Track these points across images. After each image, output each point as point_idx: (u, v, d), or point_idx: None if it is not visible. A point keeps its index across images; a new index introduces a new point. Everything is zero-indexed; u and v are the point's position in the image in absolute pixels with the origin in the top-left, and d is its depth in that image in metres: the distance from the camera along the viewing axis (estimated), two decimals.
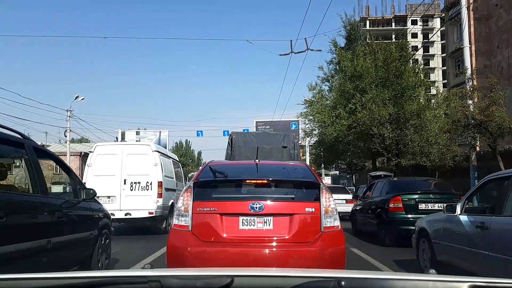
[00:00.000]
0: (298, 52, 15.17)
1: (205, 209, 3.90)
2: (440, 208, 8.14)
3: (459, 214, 4.87)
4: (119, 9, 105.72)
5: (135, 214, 9.83)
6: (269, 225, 3.82)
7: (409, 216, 8.23)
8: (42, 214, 4.24)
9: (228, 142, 11.64)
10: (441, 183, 9.85)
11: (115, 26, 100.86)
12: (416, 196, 8.47)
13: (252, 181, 4.16)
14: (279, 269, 2.61)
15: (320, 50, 17.83)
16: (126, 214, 9.79)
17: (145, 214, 9.87)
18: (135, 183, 10.09)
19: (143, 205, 9.87)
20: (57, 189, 5.61)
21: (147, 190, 10.05)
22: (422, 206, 8.27)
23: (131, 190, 10.06)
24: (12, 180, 5.64)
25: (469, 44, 15.91)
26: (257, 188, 4.09)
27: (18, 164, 4.79)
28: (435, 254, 5.46)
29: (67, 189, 5.77)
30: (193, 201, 3.92)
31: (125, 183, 10.06)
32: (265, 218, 3.83)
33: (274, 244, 3.79)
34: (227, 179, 4.25)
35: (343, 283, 1.17)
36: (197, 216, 3.88)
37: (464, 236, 4.73)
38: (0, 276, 1.26)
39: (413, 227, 8.09)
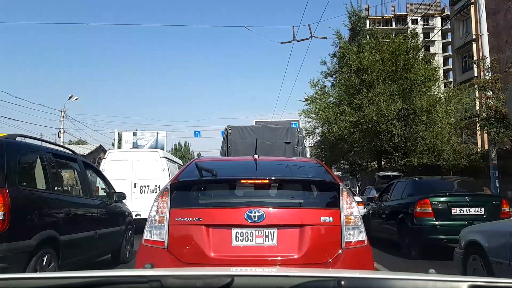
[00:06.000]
0: (301, 40, 13.87)
1: (186, 219, 3.03)
2: (478, 213, 6.87)
3: None
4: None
5: (144, 215, 10.74)
6: (272, 240, 2.99)
7: (440, 223, 6.94)
8: (91, 212, 5.77)
9: (224, 137, 10.52)
10: (473, 183, 8.53)
11: (108, 19, 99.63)
12: (448, 198, 7.15)
13: (250, 182, 3.28)
14: (279, 269, 2.59)
15: (326, 38, 16.54)
16: (136, 215, 10.50)
17: None
18: (144, 186, 11.14)
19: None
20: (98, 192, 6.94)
21: (155, 193, 10.65)
22: (455, 211, 6.94)
23: (141, 193, 11.08)
24: (69, 186, 6.94)
25: (487, 32, 14.66)
26: (256, 190, 3.27)
27: (73, 173, 6.20)
28: (495, 277, 4.08)
29: (104, 192, 6.92)
30: (170, 208, 3.06)
31: (135, 187, 11.09)
32: (267, 230, 2.99)
33: (278, 266, 2.95)
34: (216, 179, 3.30)
35: (343, 282, 1.17)
36: (176, 229, 3.04)
37: None
38: (0, 276, 1.27)
39: (444, 236, 6.92)
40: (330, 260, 2.97)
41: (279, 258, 2.95)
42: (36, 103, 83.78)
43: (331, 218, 3.03)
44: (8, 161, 4.10)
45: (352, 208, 3.12)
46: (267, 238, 2.98)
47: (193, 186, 3.39)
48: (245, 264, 2.92)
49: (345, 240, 3.01)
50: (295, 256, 2.94)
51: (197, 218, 3.01)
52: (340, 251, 2.99)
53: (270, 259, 2.95)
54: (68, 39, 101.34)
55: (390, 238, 8.35)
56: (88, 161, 7.40)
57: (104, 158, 11.94)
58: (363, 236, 3.09)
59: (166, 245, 3.00)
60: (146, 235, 3.12)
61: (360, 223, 3.12)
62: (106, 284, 1.26)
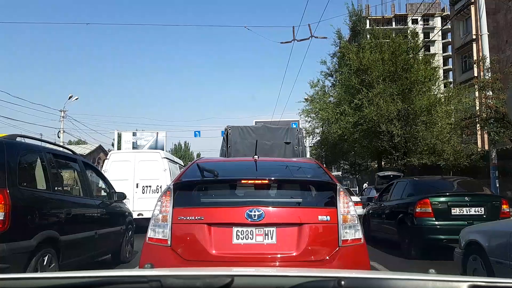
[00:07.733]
0: (301, 40, 13.87)
1: (188, 217, 3.13)
2: (478, 213, 6.86)
3: None
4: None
5: (146, 215, 10.75)
6: (272, 238, 3.08)
7: (440, 223, 6.91)
8: (91, 212, 5.76)
9: (223, 138, 10.52)
10: (473, 183, 8.48)
11: (108, 19, 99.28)
12: (448, 198, 7.12)
13: (250, 182, 3.36)
14: (279, 269, 2.66)
15: (326, 38, 16.53)
16: (138, 215, 10.76)
17: None
18: (146, 186, 11.34)
19: (153, 206, 11.43)
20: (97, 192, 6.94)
21: (157, 193, 11.03)
22: (455, 211, 6.92)
23: (143, 193, 11.29)
24: (70, 186, 6.88)
25: (487, 32, 14.66)
26: (256, 190, 3.35)
27: (73, 173, 6.18)
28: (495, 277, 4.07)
29: (104, 192, 6.94)
30: (173, 207, 3.16)
31: (137, 187, 11.29)
32: (266, 229, 3.08)
33: (278, 263, 3.04)
34: (217, 179, 3.39)
35: (343, 282, 1.17)
36: (178, 227, 3.13)
37: None
38: (0, 276, 1.27)
39: (444, 236, 6.91)
40: (327, 258, 3.05)
41: (278, 256, 3.02)
42: (36, 103, 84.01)
43: (328, 217, 3.11)
44: (9, 161, 4.10)
45: (349, 207, 3.20)
46: (266, 236, 3.06)
47: (195, 186, 3.46)
48: (245, 261, 2.99)
49: (342, 238, 3.09)
50: (294, 254, 3.02)
51: (199, 217, 3.09)
52: (337, 248, 3.07)
53: (269, 256, 3.03)
54: (68, 39, 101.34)
55: (390, 238, 8.31)
56: (88, 161, 7.43)
57: (106, 159, 12.28)
58: (359, 234, 3.18)
59: (169, 243, 3.08)
60: (150, 234, 3.18)
61: (356, 222, 3.20)
62: (106, 284, 1.25)
